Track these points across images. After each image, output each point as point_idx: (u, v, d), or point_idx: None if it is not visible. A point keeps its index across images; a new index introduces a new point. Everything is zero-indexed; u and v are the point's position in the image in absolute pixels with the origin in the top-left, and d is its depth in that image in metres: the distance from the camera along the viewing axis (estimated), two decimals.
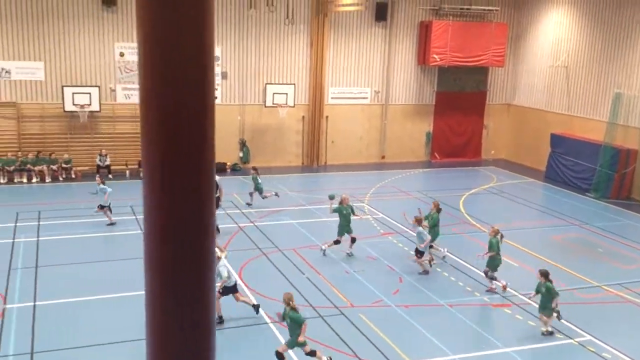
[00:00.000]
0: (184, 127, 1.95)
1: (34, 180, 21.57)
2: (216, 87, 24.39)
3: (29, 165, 21.57)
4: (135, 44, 21.69)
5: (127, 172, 23.20)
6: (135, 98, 23.56)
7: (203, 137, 1.96)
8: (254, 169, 20.10)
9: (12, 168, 21.42)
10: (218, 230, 16.35)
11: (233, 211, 18.79)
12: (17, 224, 16.39)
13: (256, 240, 16.17)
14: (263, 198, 19.30)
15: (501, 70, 28.08)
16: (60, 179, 21.95)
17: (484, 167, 27.08)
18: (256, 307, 11.72)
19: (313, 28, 25.45)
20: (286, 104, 24.99)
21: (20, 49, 21.86)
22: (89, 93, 22.20)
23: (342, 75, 26.53)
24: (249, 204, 19.37)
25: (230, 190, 21.51)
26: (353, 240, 15.12)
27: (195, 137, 1.97)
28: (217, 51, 24.51)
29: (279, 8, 24.78)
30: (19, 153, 21.81)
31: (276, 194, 19.54)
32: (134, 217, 17.67)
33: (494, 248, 13.04)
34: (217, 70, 24.74)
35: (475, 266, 14.44)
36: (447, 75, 27.41)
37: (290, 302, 9.86)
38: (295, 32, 25.36)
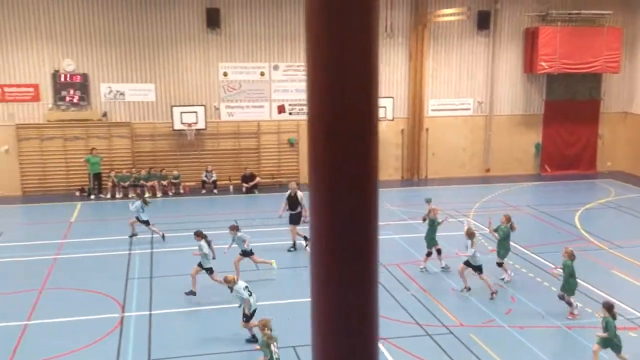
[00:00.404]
0: (349, 147, 1.86)
1: (146, 195, 22.68)
2: None
3: (141, 181, 22.76)
4: (237, 64, 22.44)
5: (231, 187, 23.88)
6: (238, 116, 24.32)
7: (367, 157, 1.86)
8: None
9: (126, 184, 22.69)
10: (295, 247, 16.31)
11: None
12: (132, 237, 17.24)
13: None
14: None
15: (616, 77, 26.31)
16: (170, 193, 22.96)
17: (599, 179, 25.38)
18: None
19: (412, 40, 25.13)
20: (385, 117, 24.77)
21: (134, 73, 23.21)
22: (195, 112, 23.14)
23: (443, 86, 25.95)
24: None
25: None
26: (439, 251, 14.67)
27: (360, 157, 1.87)
28: None
29: (379, 21, 24.67)
30: (133, 169, 23.07)
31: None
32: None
33: (569, 270, 12.06)
34: None
35: (595, 286, 13.42)
36: (557, 83, 26.07)
37: (265, 330, 9.56)
38: (394, 45, 25.15)
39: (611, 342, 10.03)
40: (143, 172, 23.03)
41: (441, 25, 25.22)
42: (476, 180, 25.44)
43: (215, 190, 23.38)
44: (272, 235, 17.52)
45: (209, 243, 12.99)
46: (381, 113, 24.63)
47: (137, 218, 16.84)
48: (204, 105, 23.45)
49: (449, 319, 12.09)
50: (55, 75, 22.45)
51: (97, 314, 12.04)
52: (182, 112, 22.98)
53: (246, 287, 10.93)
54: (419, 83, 25.40)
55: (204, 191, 23.36)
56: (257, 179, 23.80)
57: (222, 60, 23.79)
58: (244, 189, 23.47)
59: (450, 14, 23.28)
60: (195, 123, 23.07)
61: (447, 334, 11.47)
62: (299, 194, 16.10)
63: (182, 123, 23.00)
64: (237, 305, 10.92)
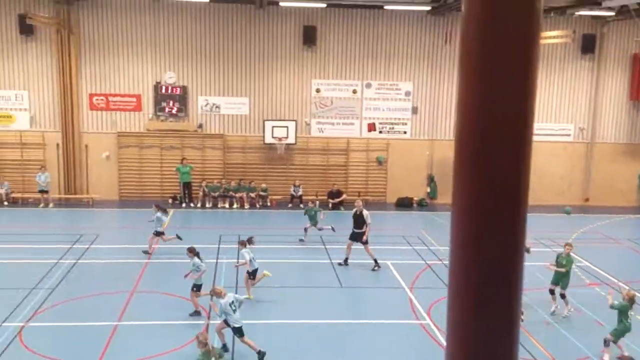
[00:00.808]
0: (500, 168, 1.70)
1: (235, 206, 23.21)
2: (406, 121, 24.52)
3: (231, 192, 23.31)
4: (330, 81, 22.58)
5: (317, 202, 23.90)
6: (328, 132, 24.43)
7: (518, 178, 1.69)
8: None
9: (216, 194, 23.32)
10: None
11: (420, 247, 18.30)
12: (220, 246, 17.60)
13: (446, 279, 15.45)
14: (319, 230, 18.53)
15: None
16: (257, 206, 23.35)
17: None
18: (261, 355, 10.61)
19: None
20: None
21: (229, 87, 23.92)
22: (287, 127, 23.49)
23: (542, 110, 24.87)
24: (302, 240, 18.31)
25: (417, 226, 21.12)
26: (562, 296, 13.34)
27: (511, 177, 1.71)
28: (409, 86, 24.54)
29: None
30: (223, 180, 23.69)
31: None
32: (322, 246, 18.03)
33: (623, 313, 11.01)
34: (408, 105, 24.72)
35: None
36: None
37: (201, 346, 9.40)
38: None
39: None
40: (233, 184, 23.58)
41: (544, 48, 24.26)
42: (574, 209, 24.09)
43: (301, 205, 23.49)
44: (352, 253, 17.33)
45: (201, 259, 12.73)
46: None
47: (155, 232, 16.85)
48: (295, 121, 23.77)
49: (541, 353, 11.37)
50: (157, 86, 23.54)
51: (184, 320, 12.27)
52: (273, 127, 23.40)
53: (232, 302, 10.73)
54: None
55: (290, 205, 23.58)
56: (344, 196, 23.74)
57: (315, 77, 24.08)
58: (330, 205, 23.47)
59: (554, 37, 22.34)
60: (286, 137, 23.41)
61: None
62: (365, 212, 16.06)
63: (273, 137, 23.41)
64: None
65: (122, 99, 23.57)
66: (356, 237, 16.00)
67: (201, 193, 23.33)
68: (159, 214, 16.88)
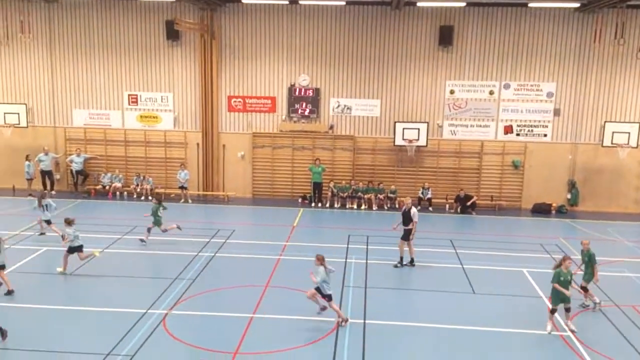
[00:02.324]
0: None
1: (363, 207, 23.15)
2: (546, 124, 23.08)
3: (359, 193, 23.29)
4: (465, 82, 21.79)
5: (447, 205, 23.26)
6: (460, 134, 23.65)
7: None
8: (157, 199, 18.17)
9: (345, 194, 23.41)
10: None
11: (559, 256, 17.03)
12: (349, 246, 17.59)
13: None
14: (163, 231, 17.46)
15: None
16: (385, 207, 23.12)
17: None
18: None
19: None
20: (628, 143, 22.08)
21: (361, 88, 23.92)
22: (418, 128, 23.04)
23: None
24: (142, 241, 17.32)
25: (556, 234, 19.80)
26: None
27: None
28: (551, 87, 23.11)
29: (629, 40, 22.18)
30: (352, 181, 23.72)
31: (178, 227, 17.59)
32: (453, 250, 17.43)
33: None
34: (549, 106, 23.27)
35: None
36: None
37: None
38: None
39: None
40: (361, 185, 23.54)
41: None
42: None
43: (430, 208, 22.99)
44: (484, 259, 16.57)
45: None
46: (624, 139, 22.12)
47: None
48: (427, 123, 23.26)
49: None
50: (291, 89, 24.12)
51: (314, 316, 12.32)
52: (404, 128, 23.06)
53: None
54: None
55: (419, 207, 23.07)
56: (474, 198, 22.87)
57: (450, 78, 23.41)
58: (458, 209, 22.70)
59: None
60: (417, 139, 22.98)
61: None
62: (413, 210, 15.77)
63: (403, 139, 23.07)
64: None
65: (258, 101, 24.43)
66: (406, 235, 15.78)
67: (329, 193, 23.54)
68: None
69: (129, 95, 24.82)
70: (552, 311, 11.99)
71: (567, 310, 11.98)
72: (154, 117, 24.93)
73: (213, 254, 16.55)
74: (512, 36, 22.85)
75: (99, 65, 24.62)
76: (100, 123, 25.06)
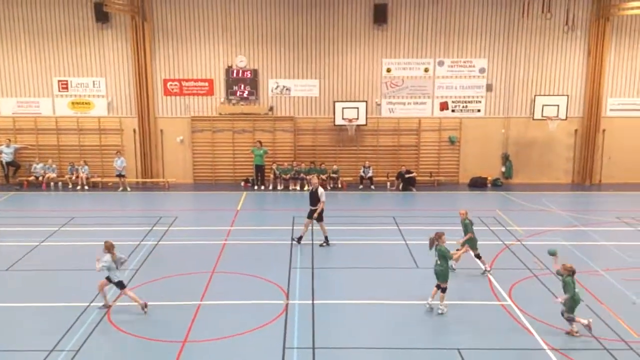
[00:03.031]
0: None
1: (306, 188, 23.24)
2: (480, 99, 23.76)
3: (302, 174, 23.37)
4: (401, 60, 22.03)
5: (388, 183, 23.69)
6: (398, 112, 24.03)
7: None
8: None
9: (288, 176, 23.43)
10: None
11: (497, 228, 17.75)
12: (294, 227, 17.66)
13: (525, 260, 14.92)
14: None
15: None
16: (328, 187, 23.31)
17: None
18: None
19: (592, 34, 23.14)
20: (557, 116, 23.06)
21: (299, 69, 23.87)
22: (357, 108, 23.24)
23: (625, 84, 23.61)
24: None
25: (492, 207, 20.52)
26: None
27: None
28: (483, 62, 23.74)
29: (556, 14, 23.00)
30: (294, 163, 23.76)
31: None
32: (396, 227, 17.80)
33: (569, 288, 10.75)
34: (482, 82, 23.93)
35: None
36: None
37: None
38: (571, 39, 23.33)
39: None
40: (303, 166, 23.61)
41: (626, 19, 22.95)
42: None
43: (372, 187, 23.35)
44: (426, 234, 17.04)
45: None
46: (553, 112, 23.04)
47: None
48: (366, 101, 23.50)
49: (628, 333, 10.79)
50: (228, 71, 23.78)
51: (263, 299, 12.38)
52: (343, 108, 23.21)
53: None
54: (597, 81, 23.37)
55: (361, 186, 23.44)
56: (414, 174, 23.42)
57: (386, 56, 23.68)
58: (400, 186, 23.17)
59: (638, 7, 21.01)
60: (356, 119, 23.19)
61: (627, 350, 10.23)
62: (320, 190, 16.00)
63: (343, 119, 23.24)
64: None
65: (195, 83, 23.97)
66: (311, 214, 16.03)
67: (272, 176, 23.50)
68: None
69: (58, 81, 23.83)
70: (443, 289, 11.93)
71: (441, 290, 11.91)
72: (86, 104, 24.08)
73: (156, 242, 16.28)
74: (445, 13, 23.28)
75: (25, 51, 23.49)
76: (30, 111, 23.99)
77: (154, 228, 17.64)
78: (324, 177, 23.36)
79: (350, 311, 11.90)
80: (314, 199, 16.01)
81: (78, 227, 17.74)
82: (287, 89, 24.03)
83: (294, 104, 24.18)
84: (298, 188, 23.31)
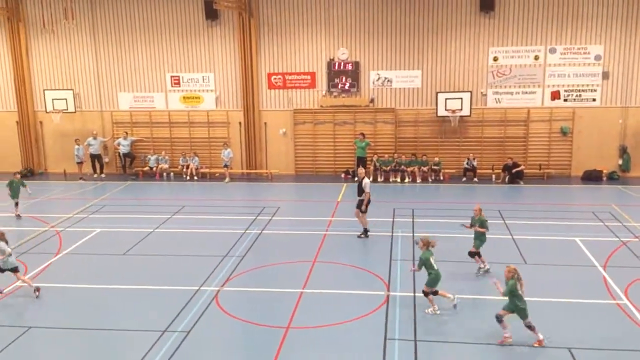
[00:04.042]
0: None
1: (407, 180, 23.01)
2: (595, 88, 22.34)
3: (402, 166, 23.12)
4: (509, 48, 21.26)
5: (493, 176, 22.88)
6: (505, 102, 23.12)
7: None
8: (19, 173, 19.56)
9: (388, 168, 23.28)
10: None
11: (613, 224, 16.63)
12: (395, 219, 17.53)
13: None
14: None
15: None
16: (430, 180, 22.91)
17: None
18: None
19: None
20: None
21: (401, 60, 23.58)
22: (461, 98, 22.64)
23: None
24: (19, 216, 18.64)
25: (608, 201, 19.27)
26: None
27: None
28: (599, 49, 22.29)
29: None
30: (395, 154, 23.54)
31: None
32: (502, 221, 17.16)
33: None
34: (598, 69, 22.47)
35: None
36: None
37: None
38: None
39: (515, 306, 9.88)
40: (404, 158, 23.35)
41: None
42: None
43: (475, 179, 22.69)
44: (535, 229, 16.29)
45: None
46: None
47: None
48: (470, 92, 22.84)
49: None
50: (330, 63, 23.96)
51: (364, 290, 12.39)
52: (446, 99, 22.71)
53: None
54: None
55: (464, 179, 22.83)
56: (522, 167, 22.44)
57: (493, 45, 22.87)
58: (506, 179, 22.31)
59: None
60: (460, 109, 22.61)
61: None
62: (365, 180, 15.91)
63: (446, 109, 22.74)
64: None
65: (298, 77, 24.38)
66: (359, 204, 15.99)
67: (372, 167, 23.44)
68: None
69: (171, 76, 25.13)
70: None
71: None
72: (196, 98, 25.21)
73: (260, 232, 16.76)
74: None
75: (142, 48, 24.96)
76: (145, 105, 25.49)
77: (258, 218, 18.17)
78: (425, 169, 22.97)
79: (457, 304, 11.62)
80: (360, 190, 16.06)
81: (188, 215, 18.63)
82: (388, 81, 23.84)
83: (395, 96, 23.95)
84: (399, 180, 23.08)
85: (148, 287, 12.86)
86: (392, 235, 16.03)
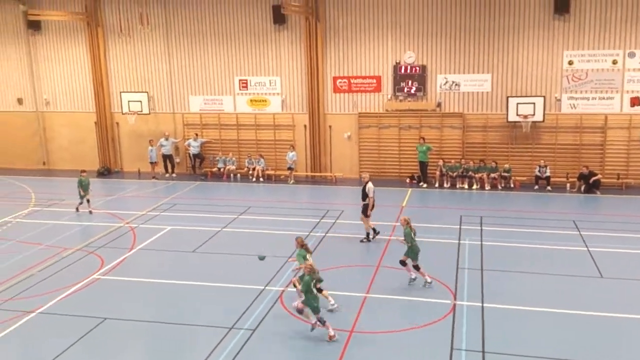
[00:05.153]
0: None
1: (474, 186, 22.46)
2: None
3: (470, 172, 22.61)
4: (585, 51, 20.36)
5: (568, 185, 22.00)
6: (581, 108, 22.24)
7: None
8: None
9: (455, 174, 22.82)
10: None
11: None
12: (462, 227, 17.14)
13: None
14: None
15: None
16: (499, 187, 22.28)
17: None
18: None
19: None
20: None
21: (470, 63, 23.08)
22: (533, 103, 21.93)
23: None
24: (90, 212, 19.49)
25: None
26: None
27: None
28: None
29: None
30: (462, 160, 23.06)
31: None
32: (577, 232, 16.46)
33: None
34: None
35: None
36: None
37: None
38: None
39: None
40: (472, 164, 22.83)
41: None
42: None
43: (548, 187, 21.88)
44: (613, 241, 15.52)
45: None
46: None
47: None
48: (543, 97, 22.08)
49: None
50: (396, 67, 23.75)
51: (429, 297, 12.17)
52: (518, 103, 22.06)
53: None
54: None
55: (536, 187, 22.07)
56: (599, 176, 21.44)
57: (567, 48, 22.02)
58: (582, 189, 21.39)
59: None
60: (532, 115, 21.90)
61: None
62: (369, 185, 16.03)
63: (517, 115, 22.09)
64: None
65: (363, 80, 24.30)
66: (364, 209, 16.13)
67: (438, 173, 23.03)
68: None
69: (239, 80, 25.59)
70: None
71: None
72: (263, 101, 25.56)
73: (324, 234, 16.77)
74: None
75: (212, 52, 25.56)
76: (214, 108, 26.07)
77: (322, 220, 18.20)
78: (494, 175, 22.37)
79: (524, 317, 11.22)
80: (364, 194, 16.11)
81: (254, 215, 18.90)
82: (456, 85, 23.40)
83: (463, 100, 23.47)
84: (466, 186, 22.56)
85: (215, 284, 13.11)
86: (459, 243, 15.69)
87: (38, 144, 28.25)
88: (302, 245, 12.08)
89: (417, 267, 12.89)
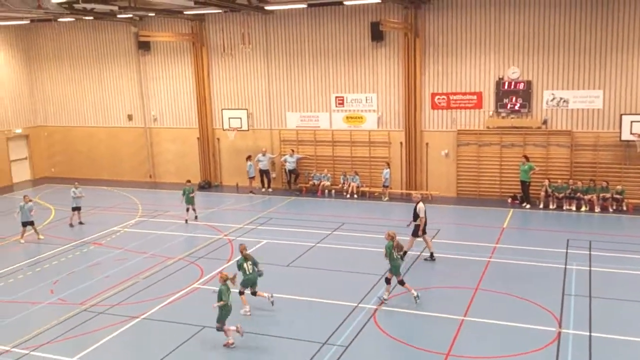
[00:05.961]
0: None
1: (583, 208, 21.09)
2: None
3: (579, 194, 21.27)
4: None
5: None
6: None
7: None
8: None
9: (561, 195, 21.56)
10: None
11: None
12: (568, 251, 16.09)
13: None
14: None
15: None
16: (610, 209, 20.78)
17: None
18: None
19: None
20: None
21: (579, 79, 21.83)
22: None
23: None
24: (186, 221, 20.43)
25: None
26: None
27: None
28: None
29: None
30: (570, 180, 21.76)
31: None
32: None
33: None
34: None
35: None
36: None
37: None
38: None
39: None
40: (580, 184, 21.47)
41: None
42: None
43: None
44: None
45: None
46: None
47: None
48: None
49: None
50: (499, 82, 22.92)
51: (530, 324, 11.46)
52: (632, 121, 20.56)
53: None
54: None
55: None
56: None
57: None
58: None
59: None
60: None
61: None
62: (420, 205, 15.99)
63: (631, 133, 20.58)
64: None
65: (463, 97, 23.64)
66: (415, 231, 16.09)
67: (543, 193, 21.84)
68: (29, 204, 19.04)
69: (335, 97, 25.74)
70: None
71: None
72: (359, 118, 25.53)
73: (419, 253, 16.34)
74: None
75: (309, 69, 25.92)
76: (310, 125, 26.37)
77: (417, 239, 17.74)
78: (606, 196, 20.88)
79: (635, 349, 10.29)
80: (416, 215, 15.90)
81: (348, 232, 18.79)
82: (564, 101, 22.19)
83: (571, 117, 22.19)
84: (574, 208, 21.22)
85: (309, 299, 13.09)
86: (565, 268, 14.73)
87: (145, 157, 29.85)
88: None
89: (402, 283, 12.86)
